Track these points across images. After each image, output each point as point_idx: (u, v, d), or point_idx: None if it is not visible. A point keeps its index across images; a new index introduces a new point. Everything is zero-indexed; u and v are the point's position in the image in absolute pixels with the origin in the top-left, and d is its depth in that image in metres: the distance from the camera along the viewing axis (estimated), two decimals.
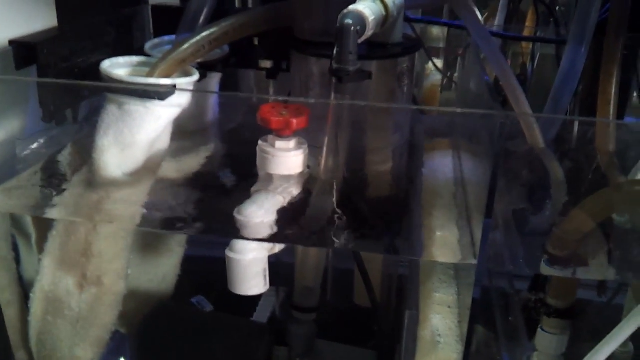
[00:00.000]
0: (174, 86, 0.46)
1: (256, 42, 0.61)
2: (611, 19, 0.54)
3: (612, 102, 0.55)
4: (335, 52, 0.41)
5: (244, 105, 0.58)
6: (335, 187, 0.46)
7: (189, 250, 0.61)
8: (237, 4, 0.78)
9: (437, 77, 0.97)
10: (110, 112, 0.45)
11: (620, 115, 0.63)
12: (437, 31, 0.95)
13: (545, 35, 0.88)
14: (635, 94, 0.69)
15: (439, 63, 0.96)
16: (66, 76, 0.53)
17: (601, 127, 0.56)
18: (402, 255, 0.47)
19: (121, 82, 0.46)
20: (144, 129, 0.45)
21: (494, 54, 0.51)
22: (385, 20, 0.47)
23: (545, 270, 0.44)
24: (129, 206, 0.46)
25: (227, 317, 0.59)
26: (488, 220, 0.40)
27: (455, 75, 0.96)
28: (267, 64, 0.62)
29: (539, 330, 0.53)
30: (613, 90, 0.54)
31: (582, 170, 0.58)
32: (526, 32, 0.90)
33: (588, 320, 0.58)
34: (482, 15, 0.94)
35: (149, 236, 0.57)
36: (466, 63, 0.85)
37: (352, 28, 0.41)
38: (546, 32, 0.87)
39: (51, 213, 0.46)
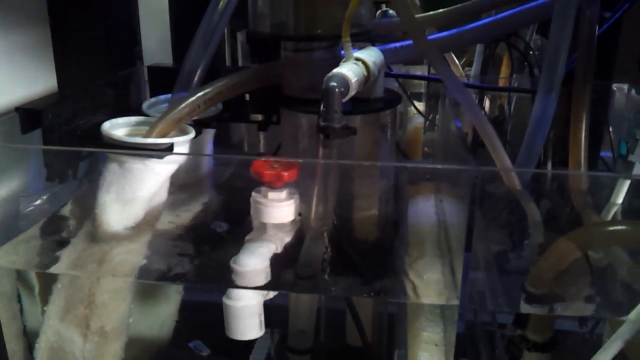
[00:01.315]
0: (172, 145, 0.49)
1: (247, 97, 0.64)
2: (578, 68, 0.57)
3: (583, 146, 0.58)
4: (321, 110, 0.45)
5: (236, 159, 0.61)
6: (325, 234, 0.49)
7: (186, 296, 0.62)
8: (227, 62, 0.82)
9: (420, 120, 1.01)
10: (112, 170, 0.48)
11: (594, 152, 0.66)
12: None
13: (520, 79, 0.92)
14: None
15: (422, 106, 1.00)
16: (69, 137, 0.56)
17: (573, 166, 0.59)
18: (388, 299, 0.49)
19: (122, 142, 0.49)
20: (144, 185, 0.48)
21: (470, 105, 0.54)
22: (367, 79, 0.51)
23: (525, 308, 0.47)
24: (130, 259, 0.49)
25: None
26: (468, 254, 0.42)
27: (437, 116, 1.00)
28: (257, 117, 0.65)
29: None
30: (583, 135, 0.57)
31: (558, 209, 0.61)
32: (502, 79, 0.94)
33: (570, 351, 0.60)
34: (460, 61, 0.99)
35: (148, 285, 0.59)
36: (446, 106, 0.89)
37: (337, 90, 0.44)
38: (521, 76, 0.91)
39: (56, 268, 0.49)
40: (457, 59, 0.97)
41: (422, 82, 1.01)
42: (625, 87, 0.78)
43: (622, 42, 0.70)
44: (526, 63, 0.89)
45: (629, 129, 0.67)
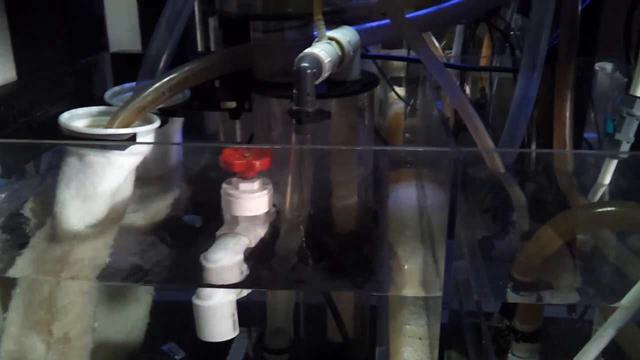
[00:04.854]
0: (134, 135, 0.46)
1: (217, 84, 0.61)
2: (561, 45, 0.55)
3: (568, 125, 0.56)
4: (293, 94, 0.42)
5: (207, 149, 0.59)
6: (302, 225, 0.47)
7: (158, 296, 0.60)
8: (199, 48, 0.79)
9: (400, 105, 0.99)
10: (71, 164, 0.45)
11: (578, 134, 0.64)
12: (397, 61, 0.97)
13: (501, 61, 0.90)
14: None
15: (402, 91, 0.98)
16: (24, 130, 0.53)
17: (559, 149, 0.57)
18: (370, 292, 0.47)
19: (80, 134, 0.46)
20: (105, 180, 0.45)
21: (450, 86, 0.52)
22: (342, 60, 0.48)
23: (512, 297, 0.45)
24: (92, 260, 0.46)
25: None
26: (451, 242, 0.40)
27: (418, 102, 0.98)
28: (229, 104, 0.62)
29: (509, 355, 0.53)
30: (568, 114, 0.56)
31: (544, 193, 0.59)
32: (483, 60, 0.92)
33: (560, 339, 0.59)
34: (440, 44, 0.96)
35: (114, 286, 0.56)
36: (426, 90, 0.87)
37: (309, 71, 0.42)
38: (502, 57, 0.89)
39: (13, 271, 0.46)
40: (437, 41, 0.95)
41: (402, 67, 0.99)
42: (608, 66, 0.76)
43: (605, 18, 0.68)
44: (507, 44, 0.87)
45: (615, 107, 0.65)
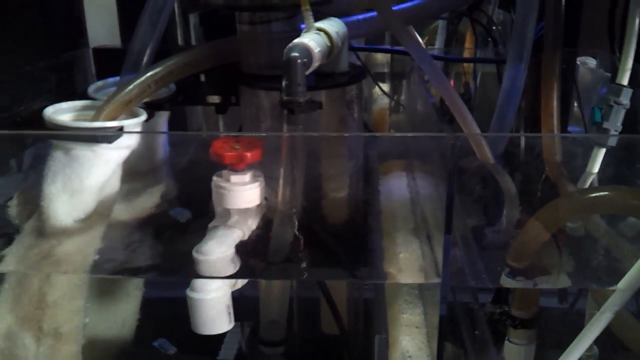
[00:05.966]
0: (121, 128, 0.45)
1: (202, 78, 0.61)
2: (547, 36, 0.55)
3: (555, 115, 0.56)
4: (284, 84, 0.42)
5: (195, 142, 0.58)
6: (294, 217, 0.46)
7: (148, 292, 0.59)
8: (179, 42, 0.78)
9: (385, 101, 0.99)
10: (57, 158, 0.44)
11: (562, 125, 0.65)
12: (381, 57, 0.97)
13: (484, 55, 0.90)
14: (575, 105, 0.71)
15: (386, 87, 0.98)
16: (7, 126, 0.52)
17: (547, 139, 0.57)
18: (366, 280, 0.46)
19: (66, 128, 0.45)
20: (92, 174, 0.44)
21: (438, 77, 0.52)
22: (331, 51, 0.47)
23: (507, 282, 0.45)
24: (81, 254, 0.45)
25: (192, 358, 0.57)
26: (448, 236, 0.40)
27: (402, 97, 0.98)
28: (215, 99, 0.62)
29: (506, 342, 0.53)
30: (555, 104, 0.56)
31: (533, 181, 0.59)
32: (465, 53, 0.93)
33: (553, 328, 0.59)
34: (423, 39, 0.97)
35: (105, 282, 0.55)
36: (411, 85, 0.87)
37: (299, 61, 0.41)
38: (485, 51, 0.90)
39: (1, 267, 0.45)
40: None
41: (386, 63, 0.98)
42: (590, 61, 0.76)
43: (586, 8, 0.69)
44: (489, 38, 0.87)
45: (599, 99, 0.66)
